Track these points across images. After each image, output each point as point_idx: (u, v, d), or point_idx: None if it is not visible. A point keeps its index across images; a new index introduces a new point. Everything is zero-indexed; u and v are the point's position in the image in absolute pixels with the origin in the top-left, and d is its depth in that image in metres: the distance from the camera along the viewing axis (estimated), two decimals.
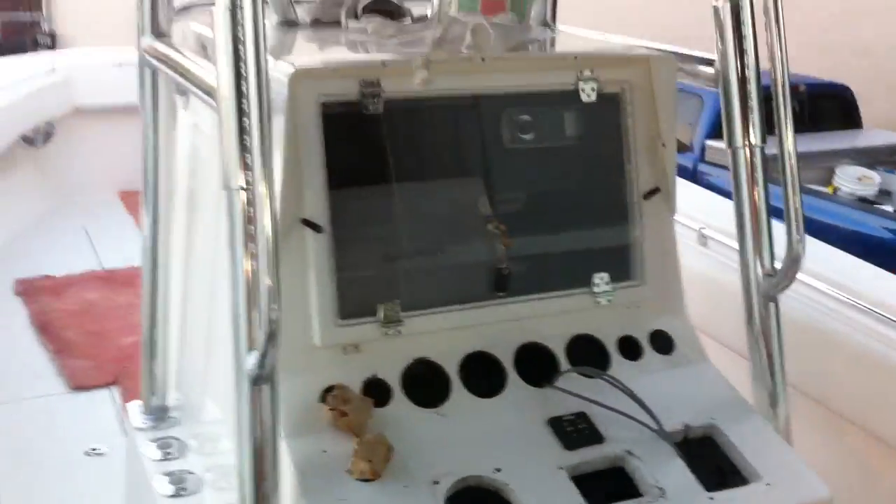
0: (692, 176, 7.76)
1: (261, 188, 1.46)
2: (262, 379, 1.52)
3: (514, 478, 1.64)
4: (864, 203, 7.63)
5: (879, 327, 2.37)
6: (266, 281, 1.45)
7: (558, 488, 1.64)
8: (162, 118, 2.31)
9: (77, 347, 4.08)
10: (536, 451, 1.70)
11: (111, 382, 3.80)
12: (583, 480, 1.67)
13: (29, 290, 4.72)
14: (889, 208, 7.47)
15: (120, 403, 3.63)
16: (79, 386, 3.77)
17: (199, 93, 1.75)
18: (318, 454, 1.64)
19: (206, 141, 2.33)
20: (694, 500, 1.65)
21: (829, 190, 7.98)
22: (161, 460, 2.28)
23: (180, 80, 1.89)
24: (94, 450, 3.34)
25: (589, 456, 1.71)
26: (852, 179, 8.19)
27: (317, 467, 1.62)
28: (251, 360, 1.51)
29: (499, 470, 1.65)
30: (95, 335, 4.22)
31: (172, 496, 2.13)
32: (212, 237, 2.29)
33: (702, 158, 8.18)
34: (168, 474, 2.20)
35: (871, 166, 8.22)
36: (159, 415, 2.45)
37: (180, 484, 2.16)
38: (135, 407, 2.50)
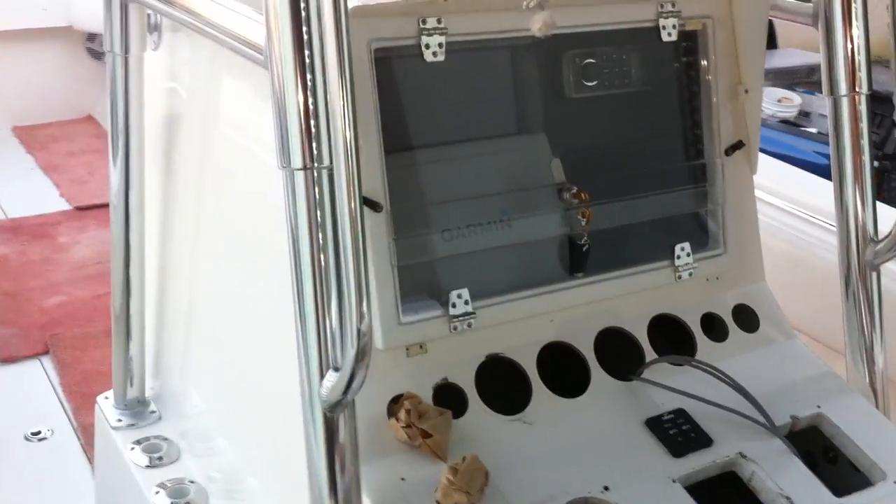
0: None
1: (342, 165, 1.14)
2: (342, 406, 1.23)
3: (627, 497, 1.40)
4: (788, 125, 7.59)
5: None
6: (353, 282, 1.15)
7: None
8: (133, 58, 1.91)
9: None
10: (642, 462, 1.47)
11: (41, 352, 3.39)
12: (697, 492, 1.44)
13: None
14: (813, 130, 7.47)
15: (56, 377, 3.24)
16: (4, 358, 3.35)
17: (228, 40, 1.39)
18: (396, 483, 1.37)
19: (186, 97, 1.95)
20: None
21: None
22: (150, 467, 1.95)
23: (188, 20, 1.50)
24: (35, 434, 2.96)
25: (699, 462, 1.48)
26: (773, 101, 8.11)
27: (397, 500, 1.35)
28: (328, 384, 1.21)
29: (607, 488, 1.41)
30: (13, 297, 3.77)
31: None
32: (192, 204, 1.95)
33: None
34: (163, 486, 1.88)
35: (790, 87, 8.19)
36: (137, 409, 2.11)
37: (182, 497, 1.85)
38: (106, 401, 2.14)
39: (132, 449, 1.99)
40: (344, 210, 1.16)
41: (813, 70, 8.61)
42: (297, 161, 1.18)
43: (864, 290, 1.68)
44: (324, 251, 1.19)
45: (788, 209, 2.56)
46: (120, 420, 2.08)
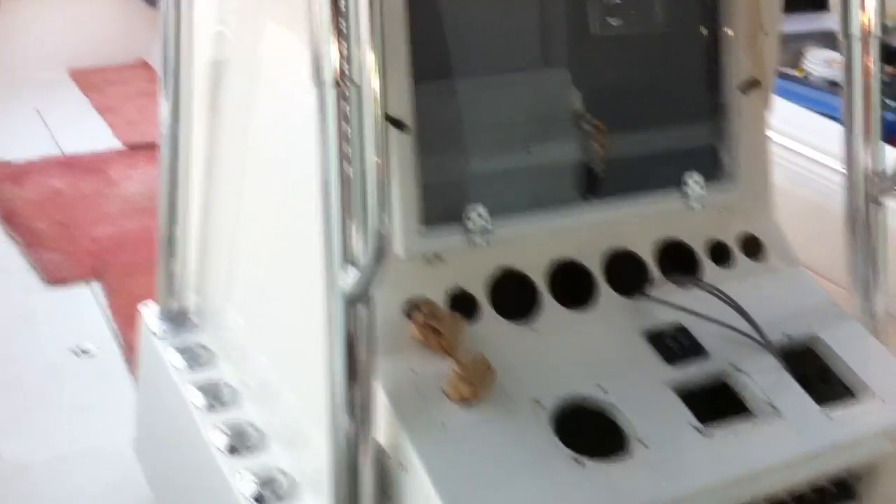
0: None
1: (370, 83, 1.26)
2: (361, 298, 1.35)
3: (620, 397, 1.51)
4: (836, 87, 7.50)
5: None
6: (375, 189, 1.27)
7: (667, 408, 1.52)
8: None
9: (48, 239, 3.82)
10: (638, 368, 1.57)
11: (90, 277, 3.57)
12: (688, 398, 1.55)
13: None
14: None
15: (104, 300, 3.41)
16: (56, 280, 3.53)
17: None
18: (408, 375, 1.48)
19: (232, 36, 2.07)
20: (809, 417, 1.55)
21: (798, 73, 7.87)
22: (188, 370, 2.10)
23: None
24: (82, 350, 3.14)
25: (693, 372, 1.58)
26: (821, 63, 8.03)
27: (408, 389, 1.47)
28: (350, 279, 1.33)
29: (603, 388, 1.52)
30: (66, 226, 3.95)
31: (207, 408, 1.97)
32: (236, 136, 2.07)
33: None
34: (198, 386, 2.02)
35: (838, 49, 8.07)
36: (178, 320, 2.25)
37: (215, 396, 1.99)
38: (150, 311, 2.29)
39: (172, 353, 2.13)
40: (370, 124, 1.28)
41: None
42: (328, 78, 1.30)
43: (866, 223, 1.75)
44: (350, 162, 1.31)
45: (812, 157, 2.62)
46: (162, 328, 2.23)
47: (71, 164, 4.56)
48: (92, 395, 2.94)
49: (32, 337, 3.22)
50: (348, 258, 1.33)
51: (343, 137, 1.30)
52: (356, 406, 1.38)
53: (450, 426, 1.42)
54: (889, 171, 1.72)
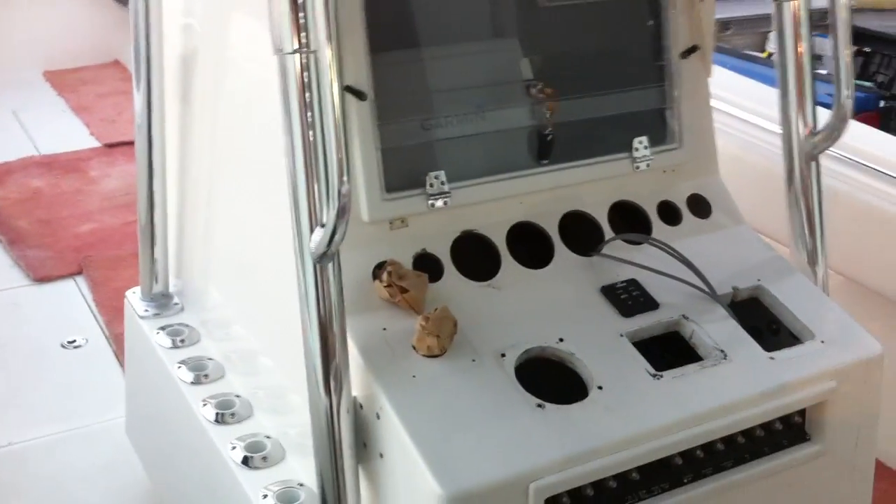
0: None
1: (325, 49, 1.36)
2: (328, 257, 1.45)
3: (579, 346, 1.62)
4: None
5: None
6: (335, 151, 1.37)
7: (623, 355, 1.62)
8: None
9: (31, 237, 3.91)
10: (595, 320, 1.68)
11: (75, 272, 3.66)
12: (643, 347, 1.66)
13: None
14: (824, 71, 7.53)
15: (89, 294, 3.50)
16: (42, 277, 3.62)
17: None
18: (378, 332, 1.59)
19: (200, 26, 2.16)
20: (755, 360, 1.66)
21: (763, 55, 7.99)
22: (173, 348, 2.20)
23: None
24: (70, 342, 3.23)
25: (646, 322, 1.69)
26: None
27: (379, 344, 1.57)
28: (316, 238, 1.43)
29: (562, 340, 1.63)
30: (48, 224, 4.04)
31: (194, 383, 2.07)
32: (208, 124, 2.16)
33: None
34: (184, 363, 2.12)
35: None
36: (162, 303, 2.35)
37: (201, 371, 2.09)
38: (134, 294, 2.39)
39: (157, 333, 2.23)
40: (327, 89, 1.38)
41: (825, 14, 8.70)
42: (287, 46, 1.40)
43: (803, 180, 1.87)
44: (312, 127, 1.41)
45: (762, 125, 2.75)
46: (146, 310, 2.33)
47: (49, 164, 4.64)
48: (81, 382, 3.04)
49: (20, 330, 3.31)
50: (315, 222, 1.43)
51: (304, 105, 1.40)
52: (331, 362, 1.49)
53: (419, 377, 1.53)
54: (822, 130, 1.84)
